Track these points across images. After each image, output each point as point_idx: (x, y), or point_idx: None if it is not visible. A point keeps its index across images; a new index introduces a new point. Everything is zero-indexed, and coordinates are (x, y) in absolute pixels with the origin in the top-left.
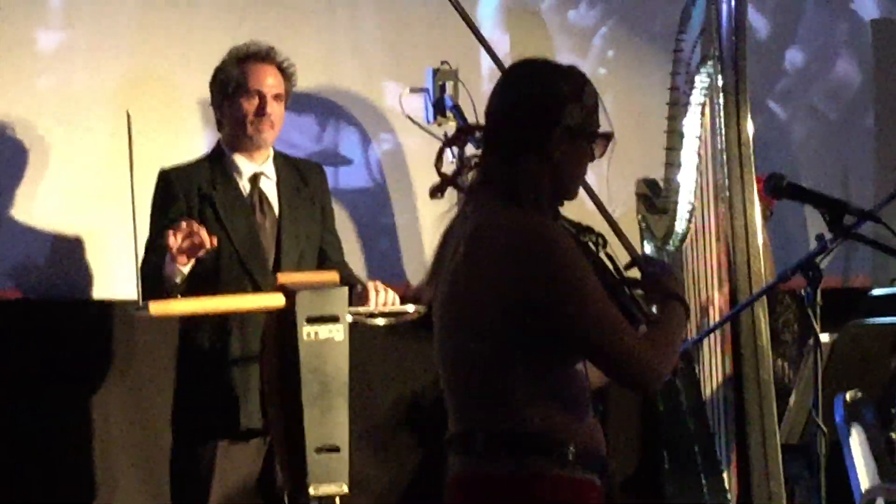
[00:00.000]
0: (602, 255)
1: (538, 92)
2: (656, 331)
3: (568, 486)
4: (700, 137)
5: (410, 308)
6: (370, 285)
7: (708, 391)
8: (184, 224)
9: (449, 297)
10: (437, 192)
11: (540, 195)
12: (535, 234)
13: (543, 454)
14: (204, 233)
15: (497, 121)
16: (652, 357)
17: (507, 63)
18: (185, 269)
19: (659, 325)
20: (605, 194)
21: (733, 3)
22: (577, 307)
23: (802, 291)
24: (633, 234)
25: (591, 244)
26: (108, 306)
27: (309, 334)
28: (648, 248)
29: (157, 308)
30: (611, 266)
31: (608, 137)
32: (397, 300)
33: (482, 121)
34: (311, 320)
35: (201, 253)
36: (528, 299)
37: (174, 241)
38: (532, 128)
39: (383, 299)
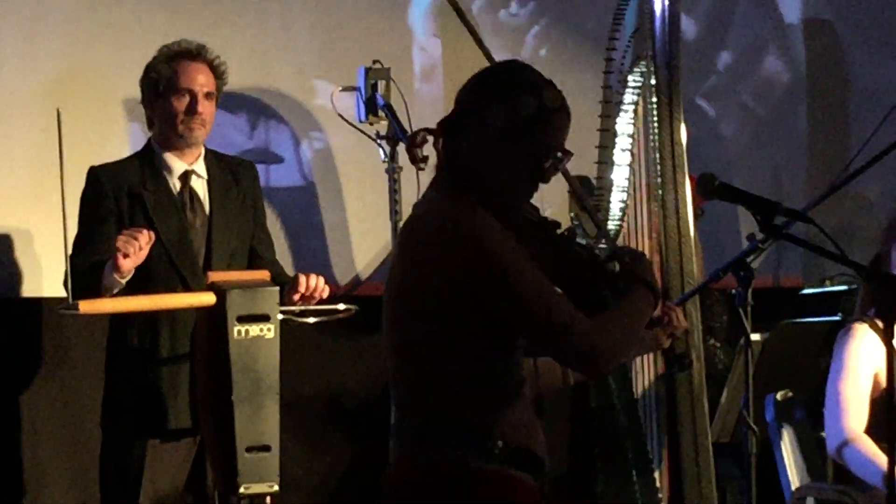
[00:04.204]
0: (576, 247)
1: (479, 86)
2: (610, 312)
3: (492, 480)
4: (633, 136)
5: (341, 306)
6: (300, 276)
7: (639, 389)
8: (138, 235)
9: (388, 287)
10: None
11: (479, 187)
12: (456, 222)
13: (469, 446)
14: (143, 235)
15: (452, 110)
16: (597, 336)
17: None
18: (124, 280)
19: (615, 308)
20: (537, 192)
21: (666, 3)
22: (507, 290)
23: (734, 291)
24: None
25: (560, 235)
26: (37, 305)
27: (240, 332)
28: None
29: (87, 306)
30: (586, 257)
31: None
32: (326, 291)
33: (414, 120)
34: (242, 319)
35: (143, 256)
36: (457, 285)
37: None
38: (466, 119)
39: (314, 284)
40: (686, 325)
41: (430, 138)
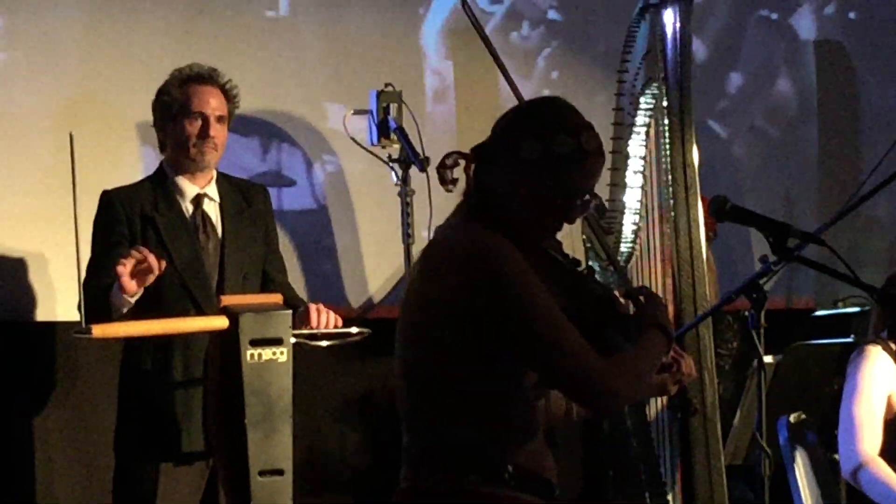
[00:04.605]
0: (595, 286)
1: (518, 117)
2: (625, 354)
3: None
4: (644, 158)
5: (354, 330)
6: (312, 307)
7: (652, 412)
8: (134, 252)
9: (403, 311)
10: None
11: (504, 217)
12: (478, 249)
13: (478, 471)
14: (152, 258)
15: (488, 137)
16: (610, 377)
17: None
18: (133, 300)
19: (630, 350)
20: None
21: (678, 25)
22: (523, 322)
23: (746, 313)
24: (577, 255)
25: (580, 273)
26: (50, 328)
27: (252, 356)
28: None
29: (100, 330)
30: (603, 296)
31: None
32: (339, 322)
33: (426, 143)
34: (255, 342)
35: (150, 279)
36: (473, 313)
37: (124, 269)
38: (500, 149)
39: (325, 321)
40: (694, 373)
41: (462, 162)
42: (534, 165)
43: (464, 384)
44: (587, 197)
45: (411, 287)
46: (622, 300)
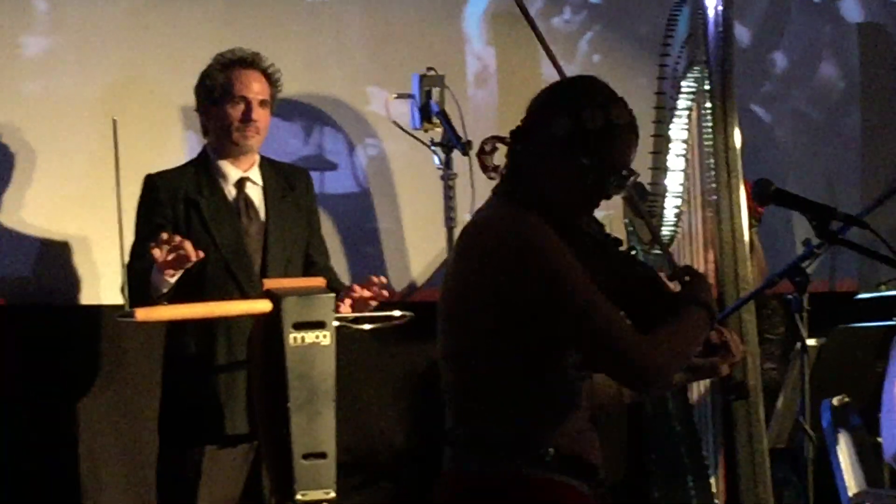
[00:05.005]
0: (638, 267)
1: (549, 96)
2: (664, 329)
3: (543, 487)
4: (687, 142)
5: (397, 313)
6: (355, 287)
7: (695, 395)
8: (164, 236)
9: (443, 294)
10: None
11: (539, 197)
12: (513, 230)
13: (518, 453)
14: (189, 246)
15: (522, 119)
16: (648, 352)
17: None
18: (172, 280)
19: (669, 325)
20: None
21: (720, 7)
22: (557, 299)
23: (790, 296)
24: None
25: (622, 253)
26: (94, 312)
27: (295, 339)
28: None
29: (144, 314)
30: (647, 276)
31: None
32: (385, 294)
33: (468, 127)
34: (298, 326)
35: (188, 265)
36: (511, 295)
37: (160, 253)
38: (533, 129)
39: (368, 294)
40: (744, 352)
41: (499, 146)
42: (565, 142)
43: (503, 367)
44: (624, 173)
45: (449, 270)
46: (667, 281)
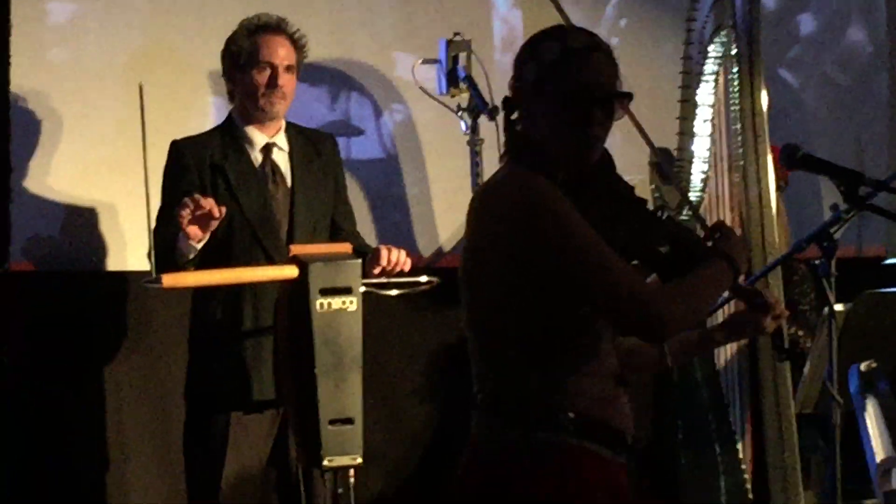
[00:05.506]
0: (668, 224)
1: (520, 54)
2: (681, 281)
3: (560, 451)
4: (713, 107)
5: (423, 278)
6: (382, 248)
7: (722, 361)
8: (188, 200)
9: (462, 260)
10: None
11: (541, 154)
12: (522, 191)
13: (537, 417)
14: (210, 202)
15: None
16: (658, 302)
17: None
18: (199, 245)
19: (687, 277)
20: (618, 164)
21: None
22: (568, 255)
23: (817, 262)
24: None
25: (649, 212)
26: (121, 278)
27: (322, 305)
28: None
29: (170, 280)
30: (677, 233)
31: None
32: (408, 262)
33: (494, 92)
34: (325, 292)
35: (214, 224)
36: (519, 254)
37: (183, 216)
38: (514, 88)
39: (395, 258)
40: (784, 310)
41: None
42: (534, 86)
43: (523, 330)
44: (606, 96)
45: (466, 236)
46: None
